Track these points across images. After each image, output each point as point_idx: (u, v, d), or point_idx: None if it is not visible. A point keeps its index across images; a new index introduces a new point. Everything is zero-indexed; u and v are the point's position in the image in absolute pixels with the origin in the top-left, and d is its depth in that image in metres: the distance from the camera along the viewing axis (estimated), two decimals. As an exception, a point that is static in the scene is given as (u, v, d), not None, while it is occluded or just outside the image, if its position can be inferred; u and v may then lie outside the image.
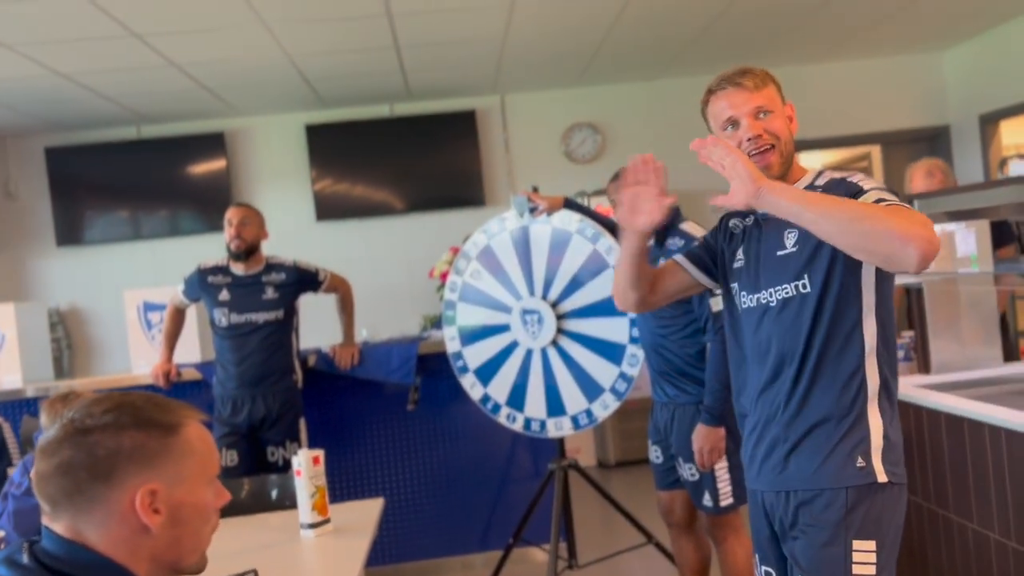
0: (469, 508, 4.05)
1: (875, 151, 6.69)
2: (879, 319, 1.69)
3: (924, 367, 3.08)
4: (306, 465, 2.44)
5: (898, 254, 1.42)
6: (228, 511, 2.75)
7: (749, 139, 1.71)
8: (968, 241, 3.04)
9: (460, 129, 5.90)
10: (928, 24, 5.26)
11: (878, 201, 1.56)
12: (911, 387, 2.83)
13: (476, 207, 5.87)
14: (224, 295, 3.50)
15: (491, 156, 6.01)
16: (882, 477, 1.65)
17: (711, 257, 1.95)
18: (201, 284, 3.55)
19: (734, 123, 1.74)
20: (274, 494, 2.80)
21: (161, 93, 5.05)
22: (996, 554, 2.39)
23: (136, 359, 4.16)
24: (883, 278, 1.69)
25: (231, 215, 3.52)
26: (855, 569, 1.61)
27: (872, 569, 1.62)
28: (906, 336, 3.33)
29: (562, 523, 3.58)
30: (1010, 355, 5.45)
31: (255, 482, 2.84)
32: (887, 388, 1.71)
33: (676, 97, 6.01)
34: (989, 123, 5.71)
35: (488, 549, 4.03)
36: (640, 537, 3.64)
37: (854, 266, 1.65)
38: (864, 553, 1.62)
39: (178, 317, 3.72)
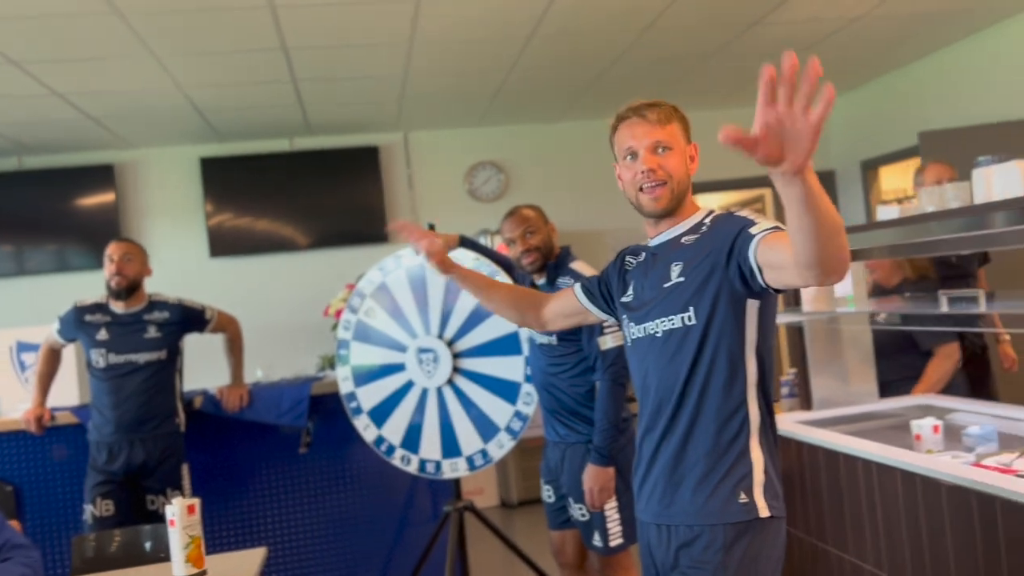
0: (364, 553, 3.93)
1: (767, 193, 6.96)
2: (760, 354, 1.72)
3: (806, 403, 3.17)
4: (180, 514, 2.32)
5: (839, 274, 1.39)
6: (97, 566, 2.62)
7: (643, 172, 1.75)
8: (846, 282, 3.17)
9: (363, 165, 5.85)
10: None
11: (773, 228, 1.58)
12: (793, 423, 2.91)
13: (378, 244, 5.81)
14: (102, 334, 3.34)
15: (394, 193, 5.98)
16: (764, 512, 1.67)
17: (603, 291, 2.00)
18: (77, 323, 3.38)
19: (633, 154, 1.77)
20: (148, 546, 2.65)
21: (44, 123, 4.84)
22: (871, 586, 2.46)
23: (8, 402, 3.90)
24: (765, 313, 1.73)
25: (112, 251, 3.37)
26: None
27: None
28: (791, 372, 3.43)
29: (457, 567, 3.51)
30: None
31: (126, 533, 2.68)
32: (768, 423, 1.74)
33: (577, 138, 6.15)
34: (870, 168, 6.03)
35: (384, 595, 3.92)
36: (537, 578, 3.61)
37: (738, 300, 1.68)
38: None
39: (52, 358, 3.52)
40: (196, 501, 2.35)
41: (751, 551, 1.65)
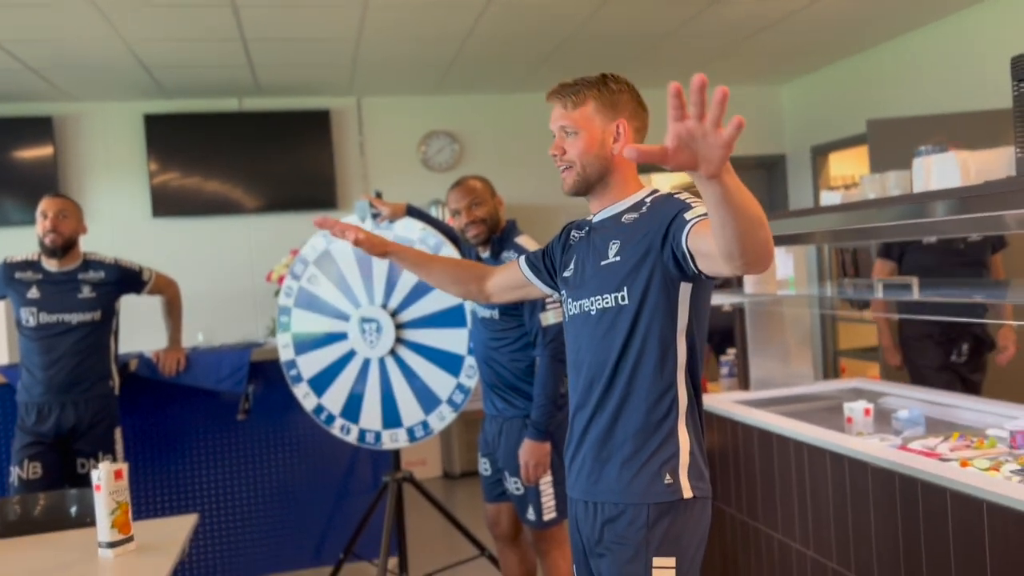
0: (302, 522, 3.91)
1: (719, 175, 7.01)
2: (690, 337, 1.73)
3: (744, 383, 3.22)
4: (107, 479, 2.27)
5: (762, 266, 1.40)
6: (20, 530, 2.55)
7: (552, 154, 1.80)
8: (787, 265, 3.22)
9: (313, 129, 5.74)
10: (769, 59, 5.57)
11: (705, 214, 1.56)
12: (730, 402, 2.95)
13: (327, 209, 5.72)
14: (33, 292, 3.23)
15: (345, 158, 5.88)
16: (688, 493, 1.69)
17: (550, 264, 2.00)
18: (7, 280, 3.27)
19: (553, 134, 1.82)
20: (73, 510, 2.59)
21: (-22, 70, 4.64)
22: (796, 563, 2.52)
23: (-67, 360, 3.77)
24: (698, 297, 1.73)
25: (46, 206, 3.26)
26: None
27: None
28: (730, 353, 3.48)
29: (394, 537, 3.51)
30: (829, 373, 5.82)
31: (52, 497, 2.62)
32: (695, 405, 1.75)
33: (533, 110, 6.10)
34: (820, 154, 6.11)
35: (321, 564, 3.90)
36: (475, 549, 3.63)
37: (672, 283, 1.68)
38: (664, 570, 1.65)
39: (-20, 315, 3.41)
40: (124, 466, 2.30)
41: (674, 530, 1.67)
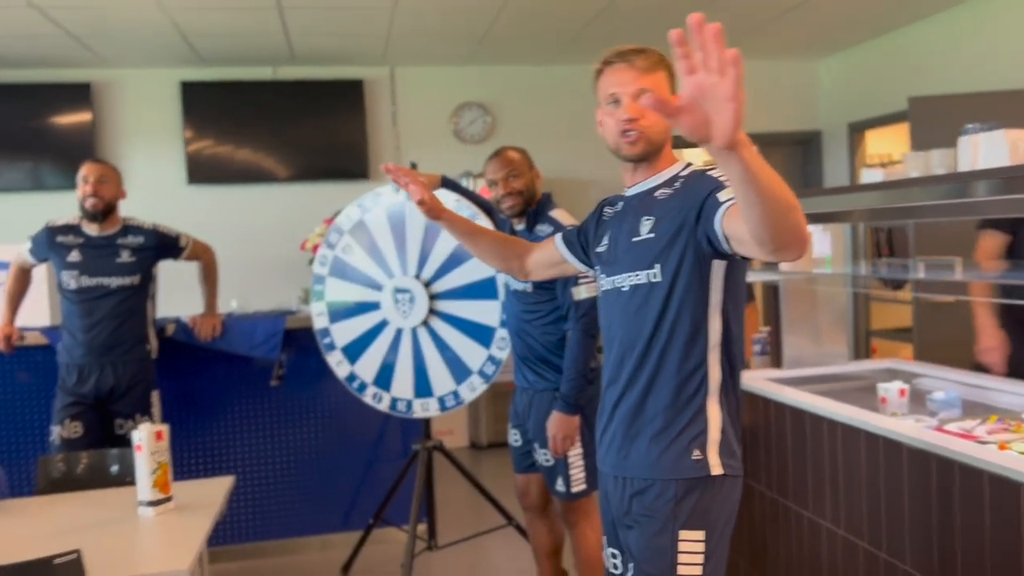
0: (332, 487, 3.97)
1: (753, 151, 6.93)
2: (724, 315, 1.72)
3: (776, 362, 3.21)
4: (148, 440, 2.32)
5: (796, 251, 1.35)
6: (62, 486, 2.62)
7: (624, 119, 1.71)
8: (824, 243, 3.19)
9: (347, 98, 5.74)
10: (806, 33, 5.47)
11: None
12: (763, 380, 2.94)
13: (360, 180, 5.74)
14: (74, 256, 3.29)
15: (377, 129, 5.88)
16: (717, 470, 1.69)
17: (584, 241, 2.00)
18: (49, 243, 3.32)
19: (616, 100, 1.73)
20: (114, 469, 2.65)
21: (20, 36, 4.69)
22: (827, 541, 2.52)
23: (-24, 320, 3.86)
24: (732, 274, 1.71)
25: (87, 171, 3.30)
26: (681, 559, 1.65)
27: (699, 558, 1.66)
28: (764, 331, 3.46)
29: (423, 504, 3.56)
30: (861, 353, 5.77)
31: (93, 456, 2.68)
32: (728, 383, 1.74)
33: (566, 83, 6.06)
34: (857, 132, 6.01)
35: (350, 529, 3.97)
36: (502, 519, 3.67)
37: (704, 260, 1.67)
38: (691, 543, 1.66)
39: (23, 277, 3.47)
40: (164, 427, 2.35)
41: (702, 504, 1.67)
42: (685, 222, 1.65)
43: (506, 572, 3.67)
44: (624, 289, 1.75)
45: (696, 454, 1.68)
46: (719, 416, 1.71)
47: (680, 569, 1.65)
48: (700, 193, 1.62)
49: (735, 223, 1.49)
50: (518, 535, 3.70)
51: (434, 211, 2.10)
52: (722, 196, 1.56)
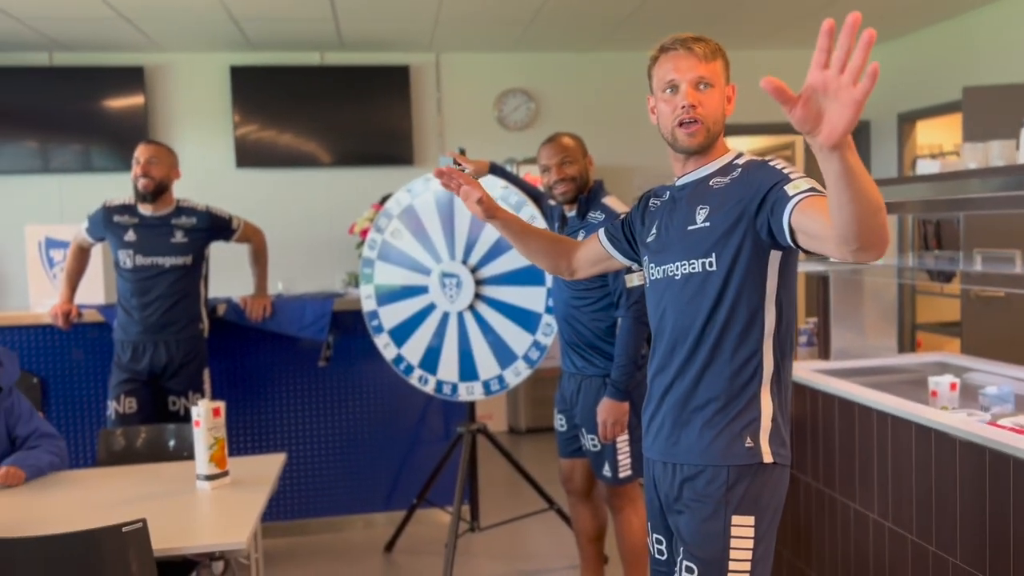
0: (375, 467, 4.04)
1: (798, 141, 6.85)
2: (779, 305, 1.72)
3: (824, 353, 3.19)
4: (206, 416, 2.39)
5: (877, 252, 1.37)
6: (122, 459, 2.70)
7: (683, 107, 1.71)
8: (875, 234, 3.15)
9: (392, 84, 5.78)
10: (858, 20, 5.38)
11: (810, 190, 1.55)
12: (810, 371, 2.93)
13: (404, 165, 5.79)
14: (130, 235, 3.37)
15: (422, 115, 5.92)
16: (768, 458, 1.70)
17: (627, 234, 1.99)
18: (106, 223, 3.41)
19: (674, 87, 1.72)
20: (171, 444, 2.73)
21: (76, 19, 4.79)
22: (874, 533, 2.52)
23: (36, 296, 3.98)
24: (787, 264, 1.71)
25: (139, 152, 3.37)
26: (733, 543, 1.67)
27: (750, 543, 1.68)
28: (810, 322, 3.44)
29: (467, 486, 3.60)
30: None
31: (151, 430, 2.76)
32: (780, 372, 1.75)
33: (611, 71, 6.04)
34: (906, 122, 5.91)
35: (392, 509, 4.04)
36: (543, 503, 3.71)
37: (762, 250, 1.67)
38: (743, 528, 1.68)
39: (81, 256, 3.57)
40: (221, 404, 2.41)
41: (752, 490, 1.68)
42: (745, 212, 1.65)
43: (547, 555, 3.71)
44: (676, 278, 1.75)
45: (748, 442, 1.69)
46: (771, 405, 1.72)
47: (732, 554, 1.67)
48: (763, 184, 1.61)
49: (808, 219, 1.50)
50: (558, 519, 3.73)
51: (490, 210, 2.04)
52: (790, 190, 1.56)
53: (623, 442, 2.73)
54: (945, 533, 2.22)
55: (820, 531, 2.80)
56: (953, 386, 2.61)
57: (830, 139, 1.17)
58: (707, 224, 1.71)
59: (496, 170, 3.37)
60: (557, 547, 3.75)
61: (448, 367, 3.47)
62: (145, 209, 3.40)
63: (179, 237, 3.40)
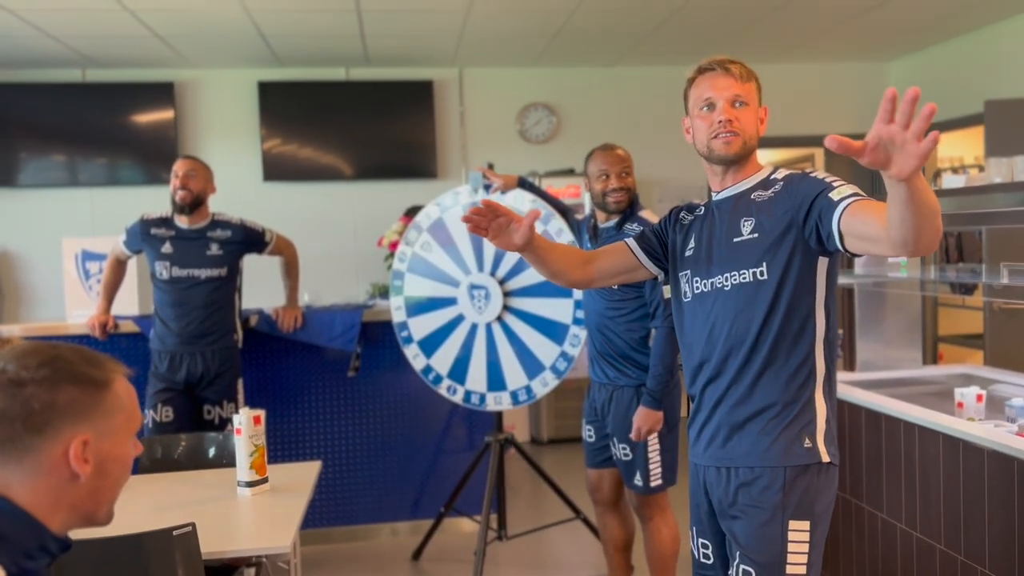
0: (402, 476, 4.09)
1: (818, 153, 6.88)
2: (827, 309, 1.79)
3: (850, 364, 3.22)
4: (247, 424, 2.45)
5: (932, 250, 1.48)
6: (163, 466, 2.77)
7: (720, 121, 1.78)
8: (899, 247, 3.18)
9: (416, 99, 5.87)
10: (876, 35, 5.43)
11: (854, 195, 1.64)
12: (837, 383, 2.96)
13: (428, 179, 5.87)
14: (167, 248, 3.45)
15: (446, 129, 6.00)
16: (826, 458, 1.76)
17: (660, 244, 2.02)
18: (143, 235, 3.49)
19: (711, 105, 1.80)
20: (211, 452, 2.79)
21: (111, 37, 4.91)
22: (902, 543, 2.55)
23: (71, 308, 4.07)
24: (832, 271, 1.79)
25: (177, 167, 3.46)
26: (791, 548, 1.72)
27: (805, 547, 1.73)
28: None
29: (494, 495, 3.65)
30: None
31: (192, 439, 2.83)
32: (831, 375, 1.82)
33: (632, 85, 6.11)
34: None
35: (418, 517, 4.08)
36: (568, 512, 3.74)
37: (812, 257, 1.74)
38: (799, 532, 1.73)
39: (119, 268, 3.65)
40: (262, 412, 2.48)
41: (808, 495, 1.74)
42: (793, 221, 1.72)
43: (574, 564, 3.75)
44: (726, 288, 1.80)
45: (807, 442, 1.75)
46: (824, 406, 1.79)
47: (789, 557, 1.72)
48: (808, 194, 1.70)
49: (859, 223, 1.58)
50: (585, 529, 3.77)
51: (523, 245, 1.88)
52: (835, 196, 1.64)
53: (654, 451, 2.77)
54: (974, 543, 2.25)
55: (848, 541, 2.83)
56: (979, 398, 2.64)
57: (899, 176, 1.31)
58: (755, 236, 1.77)
59: (524, 184, 3.44)
60: (584, 556, 3.78)
61: (476, 377, 3.52)
62: (182, 222, 3.49)
63: (214, 249, 3.47)
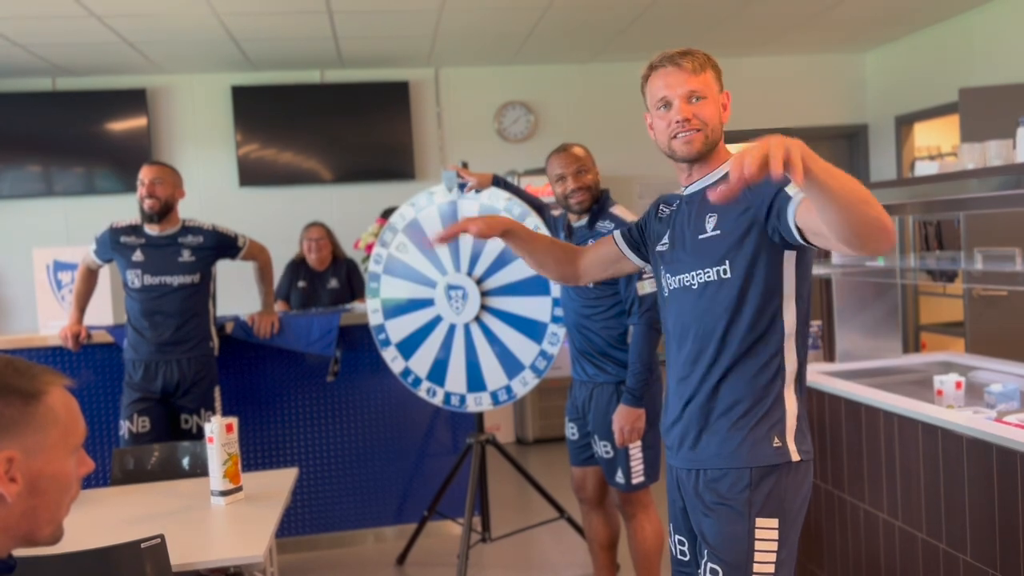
0: (385, 480, 4.05)
1: (797, 146, 6.88)
2: (798, 303, 1.75)
3: (829, 355, 3.21)
4: (219, 432, 2.41)
5: (880, 244, 1.42)
6: (136, 478, 2.72)
7: (678, 121, 1.74)
8: (876, 236, 3.18)
9: (392, 100, 5.83)
10: (851, 26, 5.43)
11: None
12: (816, 373, 2.95)
13: (406, 180, 5.83)
14: (137, 256, 3.40)
15: (423, 129, 5.96)
16: (795, 456, 1.73)
17: (642, 238, 2.00)
18: (113, 244, 3.44)
19: (667, 103, 1.75)
20: (185, 462, 2.75)
21: (79, 45, 4.84)
22: (884, 533, 2.53)
23: (44, 319, 4.01)
24: (802, 262, 1.74)
25: (143, 174, 3.41)
26: (757, 545, 1.69)
27: (774, 545, 1.69)
28: (814, 325, 3.46)
29: (477, 497, 3.62)
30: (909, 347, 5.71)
31: (165, 449, 2.79)
32: (801, 372, 1.78)
33: (609, 81, 6.09)
34: (904, 124, 5.95)
35: (402, 522, 4.05)
36: (553, 512, 3.72)
37: (777, 252, 1.70)
38: (767, 531, 1.69)
39: (90, 278, 3.60)
40: (234, 420, 2.44)
41: (777, 491, 1.70)
42: (756, 218, 1.68)
43: (559, 564, 3.72)
44: (694, 287, 1.77)
45: (776, 441, 1.71)
46: (795, 403, 1.75)
47: (756, 556, 1.69)
48: (768, 188, 1.64)
49: (810, 218, 1.53)
50: (569, 528, 3.75)
51: (497, 227, 2.02)
52: (791, 190, 1.60)
53: (636, 448, 2.75)
54: (955, 531, 2.23)
55: (831, 532, 2.82)
56: (958, 385, 2.63)
57: (776, 176, 1.30)
58: (717, 232, 1.74)
59: (499, 182, 3.41)
60: (569, 556, 3.76)
61: (456, 379, 3.49)
62: (151, 229, 3.44)
63: (186, 256, 3.43)
